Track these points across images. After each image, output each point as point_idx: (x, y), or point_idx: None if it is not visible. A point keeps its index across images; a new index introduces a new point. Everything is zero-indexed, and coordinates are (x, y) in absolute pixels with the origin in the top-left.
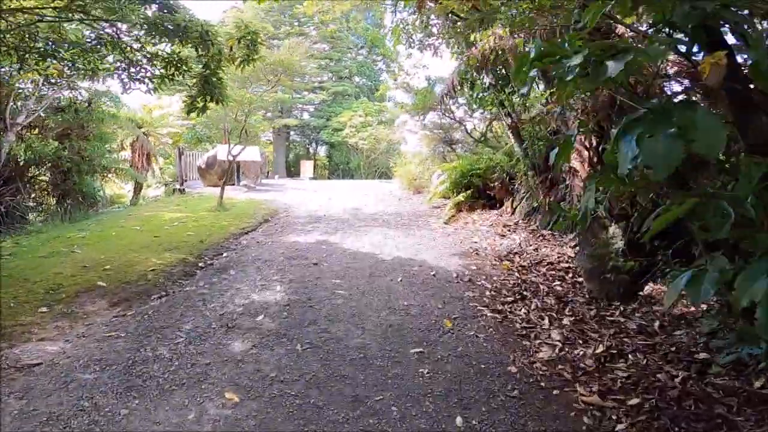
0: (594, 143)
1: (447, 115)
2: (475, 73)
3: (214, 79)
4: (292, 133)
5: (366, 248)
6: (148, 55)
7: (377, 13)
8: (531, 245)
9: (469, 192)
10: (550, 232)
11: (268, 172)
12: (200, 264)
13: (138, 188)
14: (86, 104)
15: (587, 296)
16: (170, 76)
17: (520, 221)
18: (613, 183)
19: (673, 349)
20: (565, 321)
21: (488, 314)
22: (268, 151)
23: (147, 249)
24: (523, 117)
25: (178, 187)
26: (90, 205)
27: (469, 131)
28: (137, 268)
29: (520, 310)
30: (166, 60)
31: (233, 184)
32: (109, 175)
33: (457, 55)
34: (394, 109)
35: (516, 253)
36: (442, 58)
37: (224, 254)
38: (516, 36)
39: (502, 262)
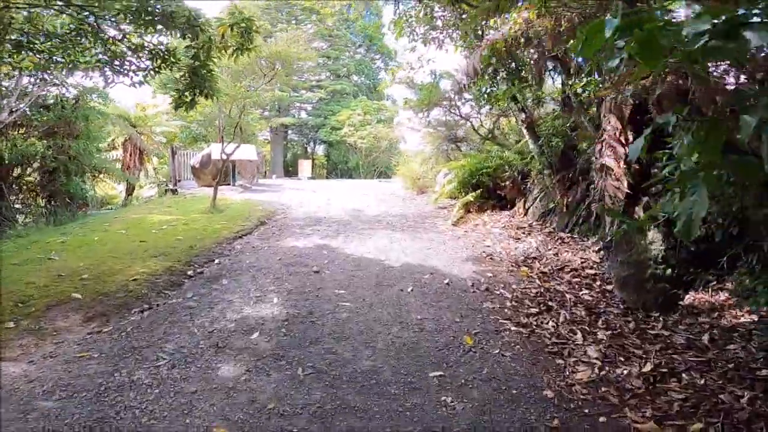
0: (631, 139)
1: (453, 111)
2: (493, 62)
3: (204, 71)
4: (290, 132)
5: (371, 253)
6: (133, 47)
7: (375, 8)
8: (550, 249)
9: (478, 192)
10: (569, 234)
11: (265, 172)
12: (189, 272)
13: (130, 189)
14: (73, 101)
15: (621, 306)
16: (157, 69)
17: (534, 223)
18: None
19: (731, 365)
20: (601, 335)
21: (512, 328)
22: (266, 150)
23: (131, 255)
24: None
25: (170, 187)
26: (79, 206)
27: (476, 128)
28: (118, 278)
29: (547, 322)
30: (153, 51)
31: (228, 185)
32: (101, 176)
33: (462, 49)
34: (393, 106)
35: (534, 258)
36: (447, 52)
37: (216, 261)
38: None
39: (520, 268)
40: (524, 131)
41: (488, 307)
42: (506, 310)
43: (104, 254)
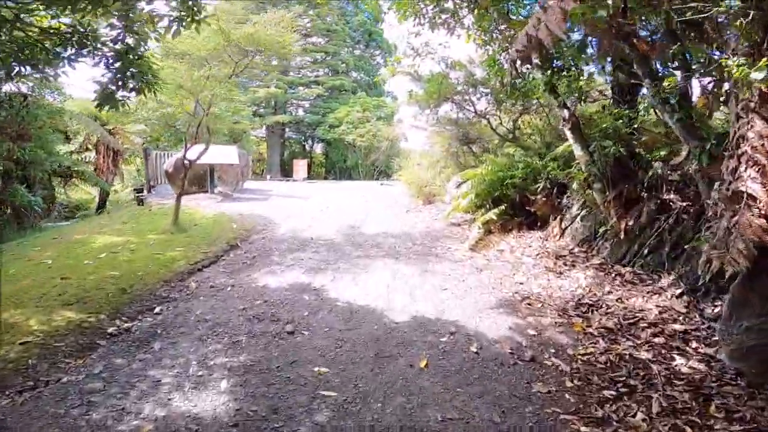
0: None
1: (466, 107)
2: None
3: (131, 57)
4: (287, 130)
5: (368, 298)
6: (44, 30)
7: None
8: (607, 290)
9: (501, 208)
10: (630, 269)
11: (262, 170)
12: (110, 330)
13: (103, 194)
14: (22, 98)
15: (740, 384)
16: (72, 57)
17: (576, 249)
18: None
19: None
20: None
21: (583, 430)
22: (262, 149)
23: (38, 302)
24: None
25: (138, 195)
26: (38, 216)
27: (494, 127)
28: (2, 339)
29: (634, 414)
30: (67, 34)
31: (206, 192)
32: (73, 180)
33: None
34: (394, 103)
35: (590, 304)
36: (459, 38)
37: (156, 310)
38: None
39: (572, 319)
40: (567, 133)
41: (540, 393)
42: (567, 396)
43: (2, 300)
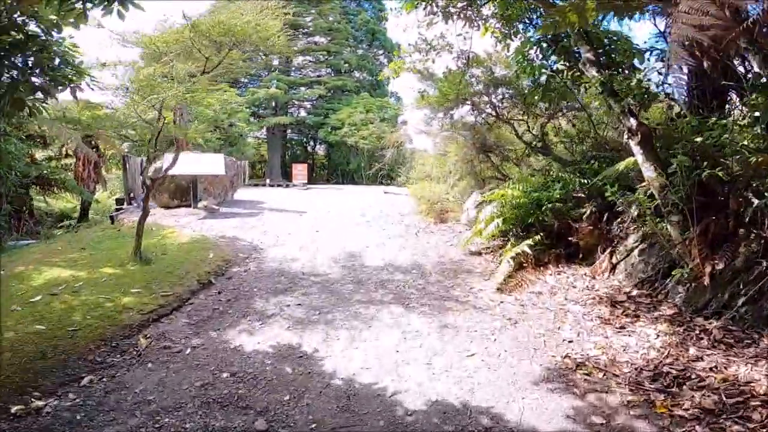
0: None
1: (485, 109)
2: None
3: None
4: (289, 131)
5: (371, 372)
6: None
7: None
8: (692, 352)
9: (537, 237)
10: (718, 324)
11: (263, 173)
12: (14, 410)
13: (86, 204)
14: None
15: None
16: None
17: (634, 291)
18: None
19: None
20: None
21: None
22: (263, 150)
23: None
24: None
25: (116, 209)
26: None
27: (519, 134)
28: None
29: None
30: None
31: (188, 206)
32: (53, 189)
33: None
34: (397, 104)
35: (674, 375)
36: (478, 29)
37: (84, 381)
38: None
39: (650, 396)
40: (634, 148)
41: None
42: None
43: None
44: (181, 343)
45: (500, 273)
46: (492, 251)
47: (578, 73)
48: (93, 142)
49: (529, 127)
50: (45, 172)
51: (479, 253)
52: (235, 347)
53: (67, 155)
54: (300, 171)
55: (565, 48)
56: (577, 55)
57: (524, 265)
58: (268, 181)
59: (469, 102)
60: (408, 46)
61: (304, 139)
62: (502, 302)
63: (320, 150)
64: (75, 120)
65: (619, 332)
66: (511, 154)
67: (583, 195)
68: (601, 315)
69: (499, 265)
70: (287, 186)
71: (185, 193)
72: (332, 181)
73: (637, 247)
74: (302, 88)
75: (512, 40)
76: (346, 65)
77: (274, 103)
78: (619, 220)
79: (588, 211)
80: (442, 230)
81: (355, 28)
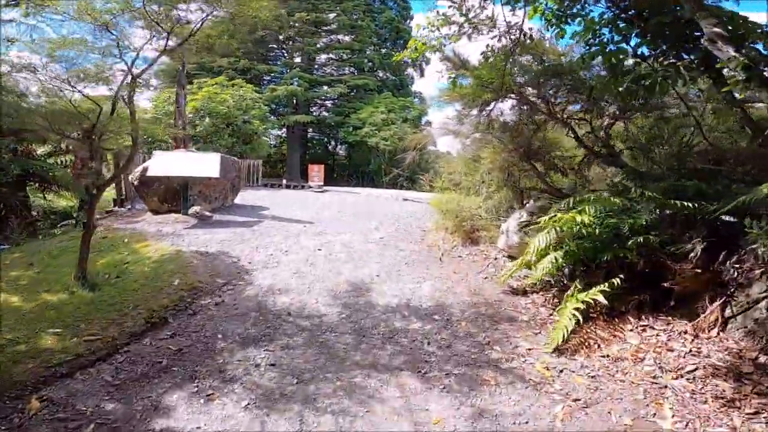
0: None
1: (538, 106)
2: None
3: None
4: (310, 131)
5: None
6: None
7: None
8: None
9: (616, 280)
10: None
11: (282, 172)
12: None
13: (83, 204)
14: None
15: None
16: None
17: (761, 357)
18: None
19: None
20: None
21: None
22: (284, 149)
23: None
24: None
25: (111, 209)
26: None
27: (580, 136)
28: None
29: None
30: None
31: (177, 212)
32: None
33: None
34: (426, 102)
35: None
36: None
37: None
38: None
39: None
40: None
41: None
42: None
43: None
44: (85, 414)
45: (559, 327)
46: (543, 289)
47: (674, 61)
48: (93, 137)
49: (592, 128)
50: (43, 167)
51: (524, 292)
52: None
53: (67, 151)
54: (316, 172)
55: (661, 24)
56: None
57: (593, 315)
58: (284, 181)
59: (514, 95)
60: (433, 15)
61: (325, 139)
62: (562, 371)
63: (341, 150)
64: (72, 111)
65: (751, 419)
66: (559, 162)
67: (678, 223)
68: (719, 393)
69: (554, 313)
70: (302, 187)
71: (177, 196)
72: (351, 182)
73: (765, 297)
74: (324, 87)
75: (569, 23)
76: (369, 64)
77: (294, 101)
78: (735, 259)
79: (695, 248)
80: (472, 255)
81: (379, 26)
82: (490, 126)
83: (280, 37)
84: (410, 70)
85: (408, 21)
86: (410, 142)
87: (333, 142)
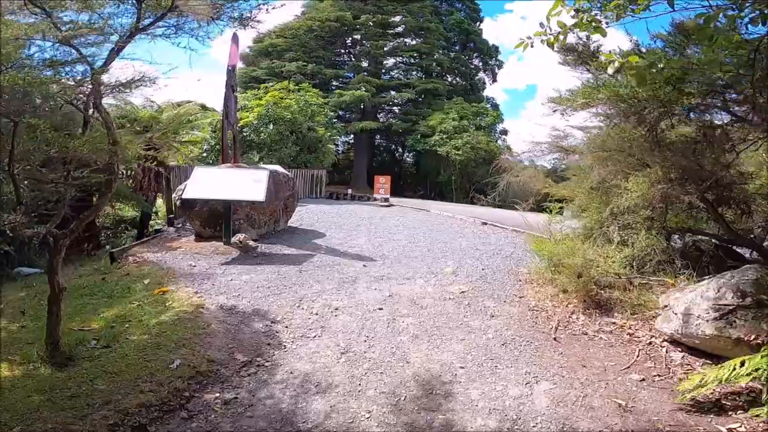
0: None
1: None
2: None
3: None
4: (377, 137)
5: None
6: None
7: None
8: None
9: None
10: None
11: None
12: None
13: (146, 219)
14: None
15: None
16: None
17: None
18: None
19: None
20: None
21: None
22: (350, 156)
23: None
24: None
25: (158, 227)
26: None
27: None
28: None
29: None
30: None
31: (217, 240)
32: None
33: None
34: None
35: None
36: None
37: None
38: None
39: None
40: None
41: None
42: None
43: None
44: None
45: None
46: (753, 402)
47: None
48: (156, 148)
49: None
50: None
51: (719, 407)
52: None
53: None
54: (382, 184)
55: None
56: None
57: None
58: (349, 191)
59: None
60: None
61: (392, 146)
62: None
63: (408, 158)
64: (131, 118)
65: None
66: (739, 195)
67: None
68: None
69: None
70: (367, 199)
71: (221, 220)
72: (418, 193)
73: None
74: (391, 92)
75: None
76: (438, 68)
77: (361, 107)
78: None
79: None
80: (605, 332)
81: (447, 28)
82: (654, 143)
83: (347, 41)
84: (481, 74)
85: (477, 23)
86: (501, 163)
87: (400, 150)
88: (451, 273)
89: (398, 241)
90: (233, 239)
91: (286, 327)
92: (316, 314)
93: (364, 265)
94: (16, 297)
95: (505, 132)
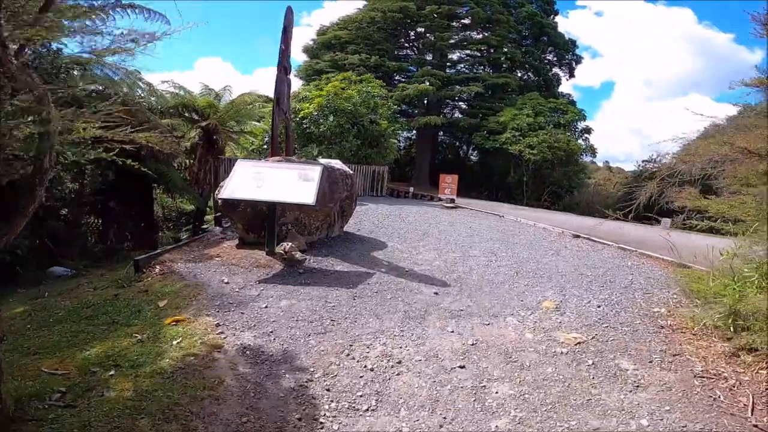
0: None
1: None
2: None
3: None
4: (440, 134)
5: None
6: None
7: None
8: None
9: None
10: None
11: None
12: None
13: (199, 215)
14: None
15: None
16: None
17: None
18: None
19: None
20: None
21: None
22: (411, 152)
23: None
24: None
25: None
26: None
27: None
28: None
29: None
30: None
31: (260, 246)
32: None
33: None
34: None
35: None
36: None
37: None
38: None
39: None
40: None
41: None
42: None
43: None
44: None
45: None
46: None
47: None
48: (214, 137)
49: None
50: (159, 171)
51: None
52: None
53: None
54: (448, 183)
55: None
56: None
57: None
58: (411, 189)
59: None
60: None
61: (456, 143)
62: None
63: (473, 156)
64: (189, 104)
65: None
66: None
67: None
68: None
69: None
70: (430, 199)
71: (265, 224)
72: (483, 194)
73: None
74: (457, 86)
75: None
76: (508, 62)
77: (425, 101)
78: None
79: None
80: None
81: (518, 21)
82: None
83: (411, 34)
84: (555, 70)
85: (551, 17)
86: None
87: (464, 147)
88: (555, 309)
89: (475, 258)
90: (277, 249)
91: (328, 390)
92: (371, 370)
93: (435, 293)
94: (12, 314)
95: (587, 130)
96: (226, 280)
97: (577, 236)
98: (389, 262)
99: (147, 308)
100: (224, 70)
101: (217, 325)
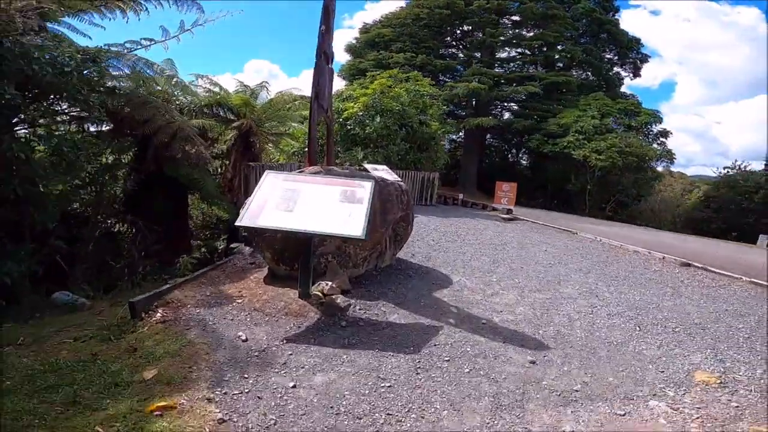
0: None
1: None
2: None
3: None
4: (488, 136)
5: None
6: None
7: None
8: None
9: None
10: None
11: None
12: None
13: (232, 230)
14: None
15: None
16: None
17: None
18: None
19: None
20: None
21: None
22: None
23: None
24: None
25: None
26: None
27: None
28: None
29: None
30: None
31: (293, 282)
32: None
33: None
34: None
35: None
36: None
37: None
38: None
39: None
40: None
41: None
42: None
43: None
44: None
45: None
46: None
47: None
48: (250, 139)
49: None
50: (190, 178)
51: None
52: None
53: (225, 156)
54: (505, 192)
55: None
56: None
57: None
58: (461, 196)
59: None
60: None
61: (505, 147)
62: None
63: (523, 160)
64: (223, 102)
65: None
66: None
67: None
68: None
69: None
70: (482, 207)
71: (300, 254)
72: (538, 201)
73: None
74: (510, 86)
75: None
76: (564, 60)
77: (474, 102)
78: None
79: None
80: None
81: (575, 18)
82: None
83: (458, 31)
84: (617, 69)
85: (611, 13)
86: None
87: (514, 151)
88: (716, 383)
89: (572, 301)
90: (313, 289)
91: None
92: None
93: (531, 361)
94: None
95: (664, 134)
96: (243, 337)
97: (687, 264)
98: (458, 309)
99: (128, 380)
100: (272, 71)
101: (221, 421)
